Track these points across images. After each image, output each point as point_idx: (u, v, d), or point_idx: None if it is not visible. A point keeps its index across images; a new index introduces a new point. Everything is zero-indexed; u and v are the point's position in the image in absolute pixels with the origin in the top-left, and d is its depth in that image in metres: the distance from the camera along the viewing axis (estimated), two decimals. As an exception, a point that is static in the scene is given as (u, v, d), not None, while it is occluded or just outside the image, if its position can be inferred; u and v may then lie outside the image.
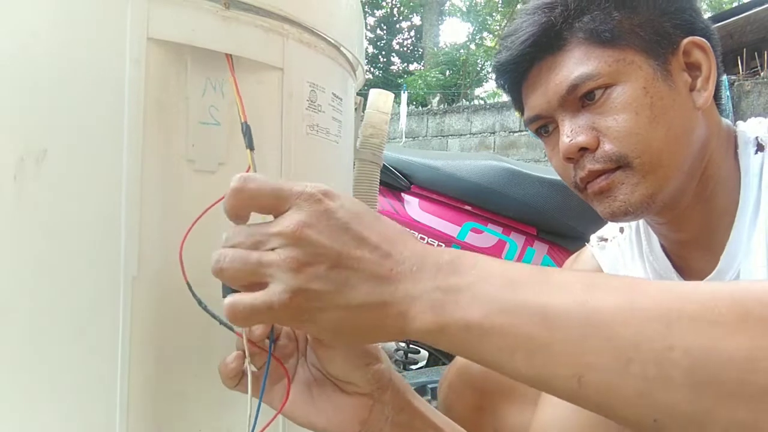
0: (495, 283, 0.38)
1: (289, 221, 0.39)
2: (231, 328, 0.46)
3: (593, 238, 0.86)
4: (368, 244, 0.40)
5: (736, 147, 0.67)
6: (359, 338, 0.42)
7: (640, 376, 0.33)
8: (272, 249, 0.40)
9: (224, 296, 0.43)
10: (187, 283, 0.45)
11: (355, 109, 0.75)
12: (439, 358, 1.79)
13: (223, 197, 0.42)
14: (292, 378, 0.50)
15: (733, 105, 5.93)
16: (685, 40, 0.65)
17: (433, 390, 1.36)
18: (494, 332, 0.37)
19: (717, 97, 0.68)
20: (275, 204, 0.40)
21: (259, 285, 0.40)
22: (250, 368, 0.46)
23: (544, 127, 0.71)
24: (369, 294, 0.39)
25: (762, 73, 6.59)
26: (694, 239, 0.68)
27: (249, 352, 0.46)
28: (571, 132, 0.65)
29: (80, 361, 0.44)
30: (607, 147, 0.63)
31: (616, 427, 0.70)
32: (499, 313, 0.37)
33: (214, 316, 0.46)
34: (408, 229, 0.43)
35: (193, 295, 0.45)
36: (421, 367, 1.84)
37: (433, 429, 0.53)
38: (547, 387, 0.37)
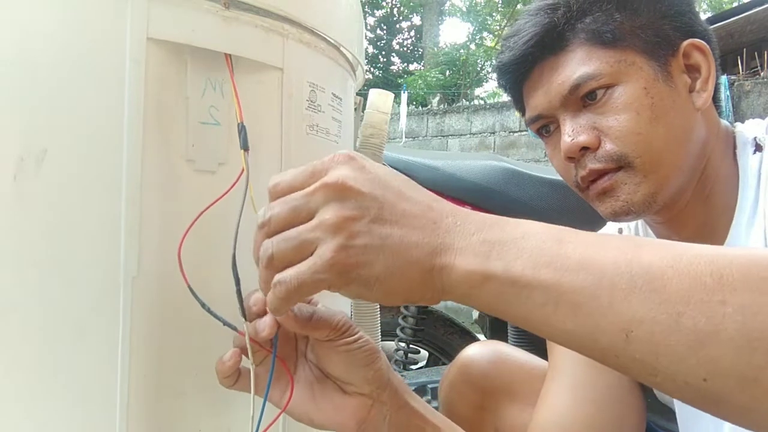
0: (541, 238, 0.38)
1: (329, 176, 0.39)
2: (234, 328, 0.46)
3: None
4: (409, 198, 0.40)
5: (734, 147, 0.67)
6: (404, 295, 0.41)
7: (691, 329, 0.32)
8: (314, 211, 0.39)
9: (242, 315, 0.44)
10: (188, 286, 0.45)
11: (355, 109, 0.75)
12: (439, 358, 1.79)
13: (218, 199, 0.42)
14: (293, 377, 0.50)
15: (733, 105, 5.92)
16: (685, 43, 0.66)
17: (433, 390, 1.36)
18: (539, 285, 0.36)
19: (715, 98, 0.69)
20: (312, 178, 0.40)
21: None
22: (252, 368, 0.46)
23: (545, 127, 0.72)
24: (413, 246, 0.39)
25: (762, 73, 6.59)
26: (692, 238, 0.69)
27: (251, 351, 0.46)
28: (573, 131, 0.65)
29: (80, 360, 0.44)
30: (608, 146, 0.64)
31: (614, 425, 0.71)
32: (545, 266, 0.36)
33: (217, 317, 0.46)
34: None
35: (195, 296, 0.45)
36: (421, 367, 1.84)
37: (431, 428, 0.53)
38: (592, 344, 0.36)
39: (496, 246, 0.38)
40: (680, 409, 0.74)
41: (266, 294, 0.42)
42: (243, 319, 0.46)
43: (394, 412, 0.51)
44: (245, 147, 0.48)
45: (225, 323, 0.46)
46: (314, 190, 0.39)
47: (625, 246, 0.36)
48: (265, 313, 0.45)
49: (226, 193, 0.49)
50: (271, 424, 0.48)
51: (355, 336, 0.49)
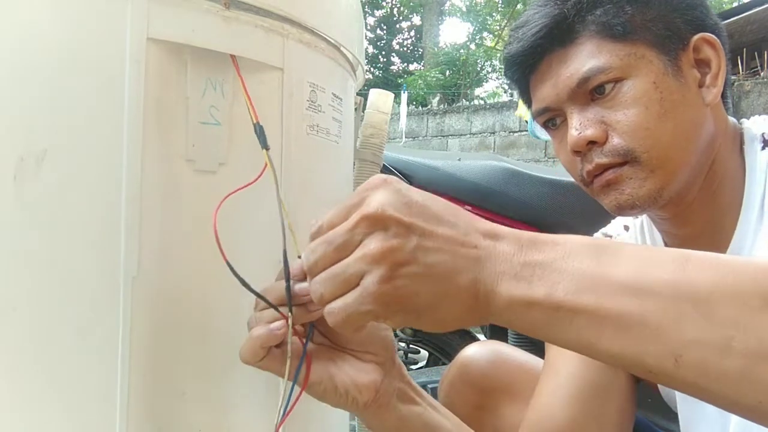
0: (581, 258, 0.37)
1: (368, 205, 0.39)
2: (276, 308, 0.45)
3: (597, 235, 0.86)
4: (448, 221, 0.39)
5: (741, 144, 0.67)
6: (452, 322, 0.40)
7: (742, 353, 0.32)
8: (358, 243, 0.39)
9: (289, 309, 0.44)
10: (228, 263, 0.44)
11: (355, 109, 0.75)
12: (439, 358, 1.79)
13: (241, 187, 0.43)
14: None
15: (733, 105, 5.91)
16: (696, 37, 0.65)
17: (434, 390, 1.36)
18: (583, 311, 0.36)
19: (724, 94, 0.68)
20: (351, 212, 0.40)
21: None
22: (290, 353, 0.46)
23: (552, 120, 0.71)
24: (458, 273, 0.38)
25: (762, 73, 6.59)
26: (698, 235, 0.68)
27: (288, 335, 0.45)
28: (580, 125, 0.65)
29: (80, 360, 0.44)
30: (615, 141, 0.63)
31: (610, 422, 0.71)
32: (587, 291, 0.36)
33: (260, 296, 0.45)
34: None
35: (235, 274, 0.44)
36: (421, 367, 1.84)
37: (431, 407, 0.56)
38: (641, 366, 0.36)
39: (537, 270, 0.37)
40: (683, 411, 0.73)
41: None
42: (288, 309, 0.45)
43: (402, 386, 0.53)
44: (265, 146, 0.48)
45: (270, 304, 0.45)
46: (355, 223, 0.39)
47: (669, 263, 0.35)
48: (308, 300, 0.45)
49: (249, 184, 0.48)
50: (296, 401, 0.48)
51: None
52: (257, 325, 0.46)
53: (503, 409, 0.88)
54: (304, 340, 0.48)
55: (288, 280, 0.45)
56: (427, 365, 1.90)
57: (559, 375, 0.72)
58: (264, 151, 0.48)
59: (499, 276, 0.38)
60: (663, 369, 0.34)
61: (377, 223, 0.38)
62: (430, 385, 1.39)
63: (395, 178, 0.41)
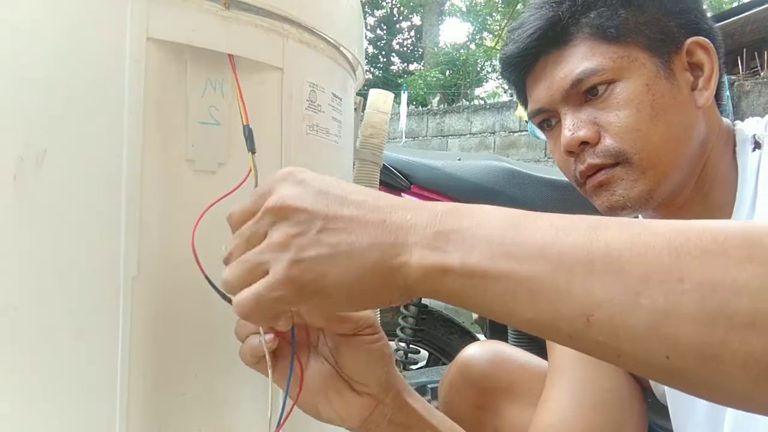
0: (496, 226, 0.37)
1: (270, 199, 0.40)
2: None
3: None
4: (353, 201, 0.39)
5: (734, 145, 0.67)
6: (368, 300, 0.41)
7: (650, 308, 0.32)
8: (265, 235, 0.40)
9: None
10: (206, 277, 0.45)
11: (355, 109, 0.75)
12: (439, 358, 1.79)
13: (225, 195, 0.42)
14: (305, 368, 0.50)
15: (733, 105, 5.92)
16: (689, 40, 0.66)
17: (433, 390, 1.36)
18: (497, 275, 0.36)
19: (718, 97, 0.69)
20: (260, 203, 0.41)
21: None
22: (269, 359, 0.46)
23: (547, 120, 0.72)
24: (366, 249, 0.38)
25: (762, 73, 6.59)
26: None
27: (267, 343, 0.46)
28: (573, 126, 0.66)
29: (80, 360, 0.44)
30: (607, 142, 0.64)
31: (615, 429, 0.71)
32: (501, 256, 0.36)
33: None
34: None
35: (213, 286, 0.45)
36: (421, 367, 1.84)
37: (430, 428, 0.54)
38: (553, 330, 0.36)
39: (452, 237, 0.37)
40: (672, 409, 0.74)
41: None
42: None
43: (394, 412, 0.52)
44: (252, 149, 0.49)
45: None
46: (259, 217, 0.40)
47: (584, 228, 0.35)
48: None
49: (238, 187, 0.49)
50: (287, 417, 0.48)
51: (378, 335, 0.50)
52: (243, 333, 0.47)
53: (504, 409, 0.88)
54: (294, 347, 0.48)
55: None
56: (427, 365, 1.90)
57: (572, 380, 0.72)
58: (249, 154, 0.49)
59: (412, 247, 0.38)
60: (576, 331, 0.34)
61: (279, 214, 0.39)
62: (430, 385, 1.39)
63: (301, 168, 0.42)
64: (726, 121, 0.70)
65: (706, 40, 0.66)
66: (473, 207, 0.39)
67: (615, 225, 0.35)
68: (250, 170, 0.48)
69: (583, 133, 0.65)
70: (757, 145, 0.65)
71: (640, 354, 0.33)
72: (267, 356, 0.46)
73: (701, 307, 0.31)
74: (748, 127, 0.68)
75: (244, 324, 0.47)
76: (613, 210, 0.66)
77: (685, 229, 0.33)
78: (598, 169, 0.65)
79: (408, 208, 0.39)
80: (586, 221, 0.36)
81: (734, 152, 0.67)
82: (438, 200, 1.60)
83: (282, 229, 0.39)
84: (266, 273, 0.39)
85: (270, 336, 0.46)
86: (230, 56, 0.50)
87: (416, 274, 0.38)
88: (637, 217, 0.78)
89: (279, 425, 0.47)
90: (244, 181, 0.49)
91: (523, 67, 0.71)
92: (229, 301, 0.45)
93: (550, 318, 0.35)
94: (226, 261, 0.42)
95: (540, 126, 0.74)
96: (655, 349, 0.32)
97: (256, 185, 0.48)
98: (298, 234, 0.39)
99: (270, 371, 0.46)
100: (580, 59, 0.65)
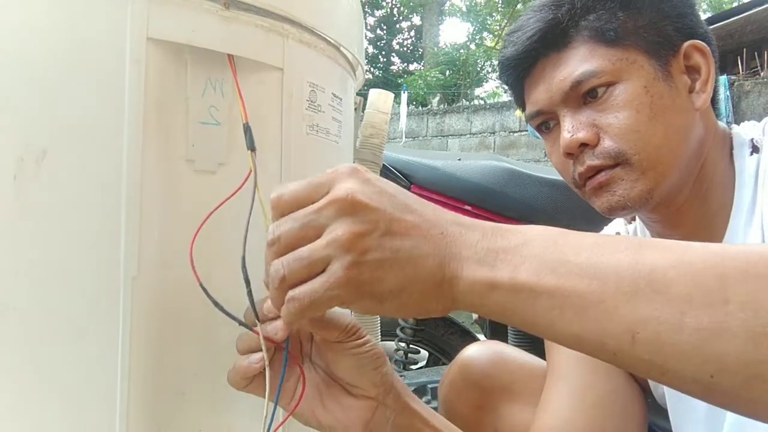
0: (542, 244, 0.38)
1: (338, 189, 0.39)
2: (249, 328, 0.46)
3: None
4: (415, 210, 0.40)
5: (731, 149, 0.68)
6: (416, 308, 0.41)
7: (695, 327, 0.33)
8: (324, 227, 0.39)
9: (255, 317, 0.44)
10: (201, 285, 0.45)
11: (355, 109, 0.75)
12: (439, 358, 1.79)
13: (228, 198, 0.42)
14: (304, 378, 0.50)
15: (733, 105, 5.92)
16: (686, 44, 0.66)
17: (433, 390, 1.36)
18: (544, 291, 0.37)
19: (714, 100, 0.70)
20: (317, 192, 0.40)
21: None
22: (268, 371, 0.46)
23: (545, 123, 0.72)
24: (424, 258, 0.39)
25: (762, 73, 6.59)
26: (689, 237, 0.69)
27: (266, 352, 0.46)
28: (572, 128, 0.66)
29: (80, 360, 0.44)
30: (606, 143, 0.64)
31: (617, 430, 0.71)
32: (548, 273, 0.37)
33: (231, 316, 0.46)
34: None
35: (208, 295, 0.45)
36: (421, 367, 1.84)
37: (432, 430, 0.54)
38: (600, 346, 0.37)
39: (500, 254, 0.39)
40: (671, 410, 0.74)
41: (279, 310, 0.42)
42: (256, 321, 0.46)
43: (396, 415, 0.52)
44: (252, 147, 0.49)
45: (240, 322, 0.46)
46: (324, 205, 0.39)
47: (627, 248, 0.37)
48: (276, 316, 0.45)
49: (236, 192, 0.49)
50: (280, 424, 0.48)
51: (364, 339, 0.50)
52: (243, 347, 0.47)
53: (504, 409, 0.88)
54: (287, 355, 0.48)
55: (249, 285, 0.45)
56: (427, 365, 1.90)
57: (573, 381, 0.72)
58: (249, 152, 0.48)
59: (464, 261, 0.39)
60: (621, 348, 0.35)
61: (346, 207, 0.39)
62: (430, 385, 1.39)
63: (364, 167, 0.42)
64: (721, 124, 0.71)
65: (703, 43, 0.67)
66: (519, 227, 0.41)
67: (658, 245, 0.37)
68: (251, 170, 0.48)
69: (582, 134, 0.65)
70: (755, 149, 0.66)
71: (685, 372, 0.34)
72: (266, 371, 0.46)
73: (745, 327, 0.32)
74: (744, 131, 0.68)
75: (248, 337, 0.47)
76: (613, 210, 0.66)
77: (725, 252, 0.35)
78: (597, 170, 0.65)
79: (461, 224, 0.41)
80: (630, 240, 0.38)
81: (731, 155, 0.68)
82: (438, 199, 1.60)
83: (347, 224, 0.39)
84: (323, 269, 0.39)
85: (259, 355, 0.46)
86: (230, 56, 0.50)
87: (465, 286, 0.39)
88: (635, 218, 0.78)
89: None
90: (243, 183, 0.49)
91: (521, 69, 0.71)
92: (222, 310, 0.45)
93: (596, 334, 0.36)
94: (272, 243, 0.41)
95: (538, 128, 0.74)
96: (700, 368, 0.33)
97: (255, 184, 0.48)
98: (363, 234, 0.38)
99: (268, 386, 0.46)
100: (580, 62, 0.65)
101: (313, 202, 0.41)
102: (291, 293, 0.40)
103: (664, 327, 0.34)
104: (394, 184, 0.42)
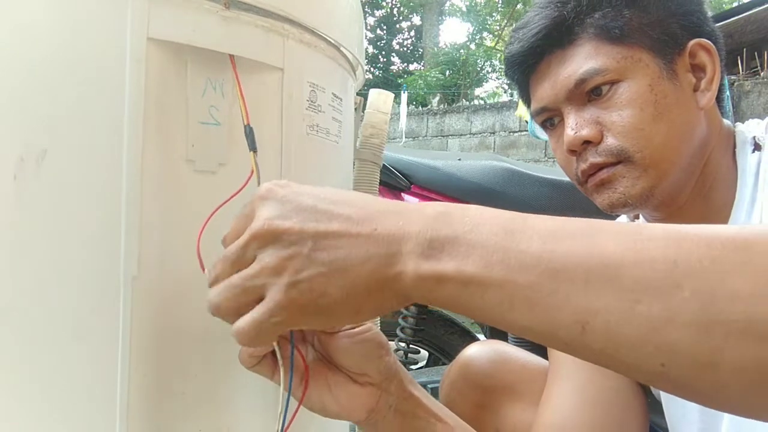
0: (490, 231, 0.36)
1: (256, 221, 0.39)
2: None
3: None
4: (340, 214, 0.38)
5: (734, 147, 0.68)
6: (367, 312, 0.40)
7: (646, 315, 0.32)
8: (252, 258, 0.39)
9: None
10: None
11: (355, 109, 0.75)
12: (439, 358, 1.79)
13: (231, 198, 0.43)
14: (308, 366, 0.50)
15: (733, 105, 5.92)
16: (692, 42, 0.66)
17: (434, 390, 1.36)
18: (492, 284, 0.35)
19: (718, 99, 0.70)
20: (244, 224, 0.40)
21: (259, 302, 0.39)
22: (281, 362, 0.47)
23: (549, 119, 0.73)
24: (362, 262, 0.37)
25: (762, 73, 6.58)
26: None
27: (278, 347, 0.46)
28: (576, 125, 0.66)
29: (80, 361, 0.44)
30: (610, 141, 0.64)
31: (618, 427, 0.71)
32: (497, 264, 0.35)
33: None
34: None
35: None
36: (421, 367, 1.84)
37: (434, 417, 0.55)
38: (549, 337, 0.36)
39: (446, 244, 0.36)
40: (666, 409, 0.74)
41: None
42: None
43: (400, 401, 0.53)
44: (253, 148, 0.49)
45: None
46: (246, 242, 0.39)
47: (579, 234, 0.35)
48: None
49: (240, 191, 0.49)
50: (293, 416, 0.48)
51: (365, 326, 0.50)
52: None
53: (505, 408, 0.88)
54: (293, 347, 0.48)
55: None
56: (427, 365, 1.90)
57: (574, 379, 0.72)
58: (251, 153, 0.48)
59: (406, 256, 0.37)
60: (572, 338, 0.34)
61: (267, 237, 0.38)
62: (430, 385, 1.39)
63: (281, 182, 0.40)
64: (726, 122, 0.71)
65: (709, 42, 0.67)
66: (465, 209, 0.38)
67: (610, 230, 0.35)
68: (252, 171, 0.48)
69: (586, 132, 0.65)
70: (757, 147, 0.66)
71: (635, 362, 0.33)
72: (279, 361, 0.46)
73: (698, 315, 0.31)
74: (748, 129, 0.68)
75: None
76: (615, 208, 0.66)
77: (681, 236, 0.33)
78: (599, 167, 0.66)
79: (399, 212, 0.38)
80: (581, 226, 0.36)
81: (734, 153, 0.68)
82: (438, 199, 1.60)
83: (272, 252, 0.38)
84: (260, 298, 0.39)
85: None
86: (231, 56, 0.50)
87: (412, 282, 0.37)
88: (638, 216, 0.78)
89: (286, 426, 0.47)
90: (246, 183, 0.49)
91: (527, 66, 0.71)
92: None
93: (546, 326, 0.35)
94: (211, 284, 0.41)
95: (542, 125, 0.74)
96: (651, 357, 0.32)
97: (259, 185, 0.48)
98: (291, 256, 0.38)
99: (282, 372, 0.46)
100: (585, 59, 0.65)
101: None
102: (235, 326, 0.40)
103: (614, 317, 0.32)
104: (314, 189, 0.40)
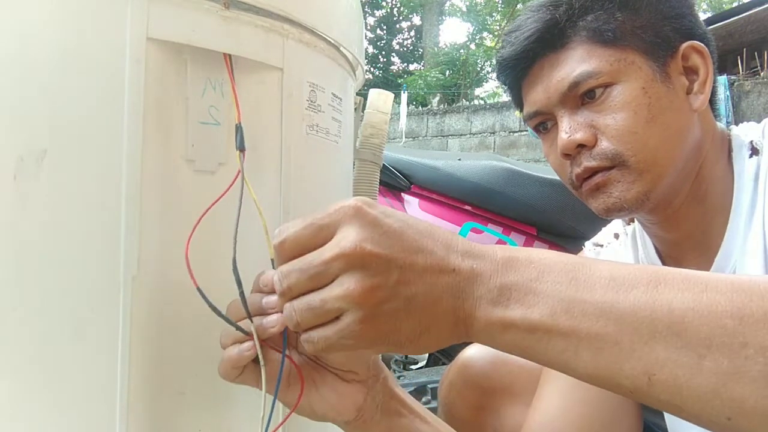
0: (555, 280, 0.38)
1: (345, 241, 0.38)
2: (244, 331, 0.46)
3: (588, 244, 0.86)
4: (425, 248, 0.39)
5: (729, 150, 0.68)
6: (430, 347, 0.41)
7: (714, 370, 0.33)
8: (334, 276, 0.39)
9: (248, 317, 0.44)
10: (198, 288, 0.45)
11: (355, 109, 0.75)
12: (439, 358, 1.79)
13: (217, 200, 0.42)
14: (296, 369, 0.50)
15: (733, 105, 5.92)
16: (684, 45, 0.66)
17: (433, 390, 1.36)
18: (558, 333, 0.37)
19: (712, 101, 0.69)
20: (320, 235, 0.40)
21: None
22: (264, 369, 0.46)
23: (543, 123, 0.72)
24: (438, 302, 0.39)
25: (762, 73, 6.59)
26: (687, 239, 0.69)
27: (260, 350, 0.46)
28: (570, 128, 0.66)
29: (80, 360, 0.44)
30: (604, 144, 0.64)
31: (609, 425, 0.71)
32: (562, 313, 0.36)
33: (226, 320, 0.45)
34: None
35: (204, 298, 0.45)
36: (421, 367, 1.84)
37: (419, 417, 0.55)
38: (613, 385, 0.37)
39: (513, 291, 0.38)
40: (668, 415, 0.74)
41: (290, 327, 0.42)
42: (249, 321, 0.45)
43: (386, 400, 0.54)
44: (241, 147, 0.48)
45: (236, 327, 0.46)
46: (332, 258, 0.38)
47: (644, 283, 0.36)
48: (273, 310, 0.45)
49: (224, 194, 0.49)
50: (283, 422, 0.48)
51: None
52: (227, 341, 0.46)
53: (504, 409, 0.88)
54: (285, 351, 0.48)
55: (240, 286, 0.45)
56: (427, 365, 1.90)
57: (563, 378, 0.72)
58: (237, 152, 0.48)
59: (478, 300, 0.39)
60: (637, 388, 0.35)
61: (356, 261, 0.38)
62: (430, 385, 1.39)
63: (367, 201, 0.40)
64: (720, 125, 0.71)
65: (701, 44, 0.67)
66: (531, 254, 0.40)
67: (677, 280, 0.36)
68: (239, 172, 0.48)
69: (579, 135, 0.65)
70: (755, 151, 0.65)
71: (702, 413, 0.34)
72: (260, 359, 0.46)
73: (765, 370, 0.32)
74: (743, 133, 0.68)
75: (232, 332, 0.46)
76: (610, 212, 0.66)
77: (747, 288, 0.34)
78: (594, 171, 0.65)
79: (472, 254, 0.40)
80: (647, 274, 0.37)
81: (729, 157, 0.67)
82: (438, 199, 1.60)
83: (358, 278, 0.38)
84: (337, 317, 0.39)
85: (249, 343, 0.45)
86: (225, 55, 0.50)
87: (480, 326, 0.39)
88: (633, 220, 0.78)
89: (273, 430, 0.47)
90: (233, 184, 0.49)
91: (519, 69, 0.71)
92: (219, 314, 0.45)
93: (611, 374, 0.36)
94: (282, 294, 0.41)
95: (535, 129, 0.74)
96: (717, 410, 0.33)
97: (242, 186, 0.47)
98: (376, 287, 0.38)
99: (263, 377, 0.46)
100: (577, 62, 0.65)
101: (316, 246, 0.40)
102: (305, 336, 0.41)
103: (682, 370, 0.34)
104: (399, 215, 0.40)
